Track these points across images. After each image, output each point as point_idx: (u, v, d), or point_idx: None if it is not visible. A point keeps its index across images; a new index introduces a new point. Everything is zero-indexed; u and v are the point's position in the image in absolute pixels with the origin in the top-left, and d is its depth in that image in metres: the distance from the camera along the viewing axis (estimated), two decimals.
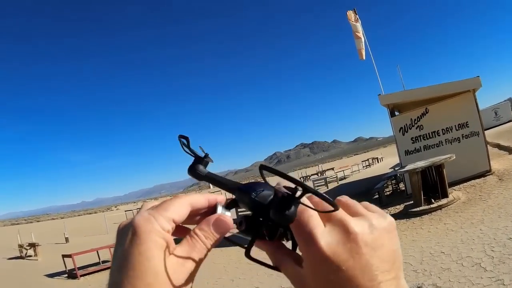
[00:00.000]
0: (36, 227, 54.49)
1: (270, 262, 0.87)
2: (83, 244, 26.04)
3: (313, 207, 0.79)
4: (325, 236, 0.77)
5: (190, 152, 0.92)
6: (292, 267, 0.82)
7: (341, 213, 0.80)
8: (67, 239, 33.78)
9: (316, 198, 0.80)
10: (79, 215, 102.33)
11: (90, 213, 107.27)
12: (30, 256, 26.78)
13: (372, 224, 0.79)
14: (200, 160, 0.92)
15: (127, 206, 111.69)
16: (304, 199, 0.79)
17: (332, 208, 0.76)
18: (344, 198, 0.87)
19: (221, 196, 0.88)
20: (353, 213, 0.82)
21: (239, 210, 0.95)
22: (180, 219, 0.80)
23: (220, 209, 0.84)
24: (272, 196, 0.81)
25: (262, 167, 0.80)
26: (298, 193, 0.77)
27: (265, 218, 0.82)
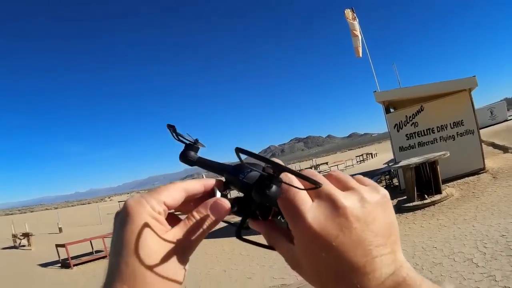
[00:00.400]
0: (30, 218, 54.60)
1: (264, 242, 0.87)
2: (77, 234, 25.98)
3: (296, 185, 0.77)
4: (312, 211, 0.76)
5: (180, 140, 0.95)
6: (286, 246, 0.82)
7: (329, 187, 0.78)
8: (60, 229, 33.78)
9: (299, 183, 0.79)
10: (72, 206, 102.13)
11: (83, 204, 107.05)
12: (24, 246, 26.88)
13: (363, 197, 0.77)
14: (191, 146, 0.95)
15: (121, 197, 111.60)
16: (288, 178, 0.79)
17: (314, 187, 0.75)
18: (336, 173, 0.85)
19: (218, 179, 0.89)
20: (344, 188, 0.80)
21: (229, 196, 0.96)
22: (173, 203, 0.80)
23: (218, 194, 0.85)
24: (259, 176, 0.81)
25: (239, 150, 0.79)
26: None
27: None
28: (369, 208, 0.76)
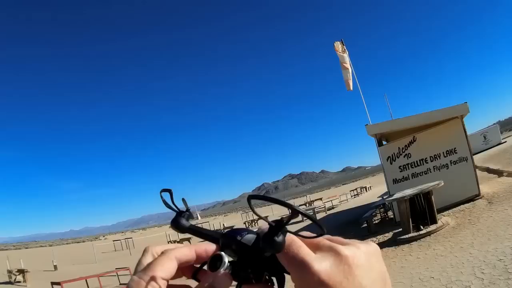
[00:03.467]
0: (24, 254, 53.84)
1: None
2: (72, 272, 25.76)
3: (300, 234, 0.84)
4: (318, 261, 0.83)
5: (171, 207, 0.98)
6: None
7: (329, 242, 0.84)
8: (55, 267, 33.32)
9: (303, 233, 0.85)
10: (67, 244, 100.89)
11: (78, 242, 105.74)
12: (19, 282, 26.62)
13: (359, 248, 0.84)
14: (182, 214, 0.98)
15: (115, 236, 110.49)
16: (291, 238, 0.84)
17: (319, 233, 0.84)
18: (327, 236, 0.89)
19: (210, 245, 0.91)
20: (340, 243, 0.85)
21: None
22: (169, 275, 0.84)
23: (226, 260, 0.86)
24: (255, 238, 0.87)
25: (251, 197, 0.86)
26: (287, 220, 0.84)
27: (250, 260, 0.87)
28: (366, 257, 0.85)
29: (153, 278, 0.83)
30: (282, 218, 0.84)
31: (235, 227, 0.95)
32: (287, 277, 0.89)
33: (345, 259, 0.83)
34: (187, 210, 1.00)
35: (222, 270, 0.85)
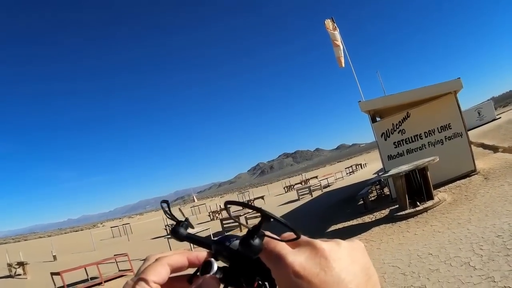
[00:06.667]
0: (24, 246, 54.19)
1: None
2: (71, 262, 25.82)
3: (276, 237, 0.83)
4: (293, 253, 0.81)
5: (171, 217, 1.07)
6: None
7: (307, 238, 0.83)
8: (54, 257, 33.56)
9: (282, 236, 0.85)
10: (65, 233, 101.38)
11: (76, 231, 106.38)
12: (19, 275, 26.82)
13: (340, 243, 0.82)
14: (181, 223, 1.05)
15: (113, 222, 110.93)
16: (270, 235, 0.83)
17: (295, 236, 0.82)
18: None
19: (202, 252, 0.93)
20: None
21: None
22: (161, 280, 0.85)
23: (215, 266, 0.89)
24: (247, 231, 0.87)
25: (227, 203, 0.89)
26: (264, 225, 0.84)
27: (241, 266, 0.89)
28: (346, 251, 0.83)
29: (144, 281, 0.84)
30: (260, 223, 0.84)
31: (226, 234, 0.99)
32: None
33: (321, 252, 0.82)
34: (186, 219, 1.07)
35: (210, 274, 0.87)
